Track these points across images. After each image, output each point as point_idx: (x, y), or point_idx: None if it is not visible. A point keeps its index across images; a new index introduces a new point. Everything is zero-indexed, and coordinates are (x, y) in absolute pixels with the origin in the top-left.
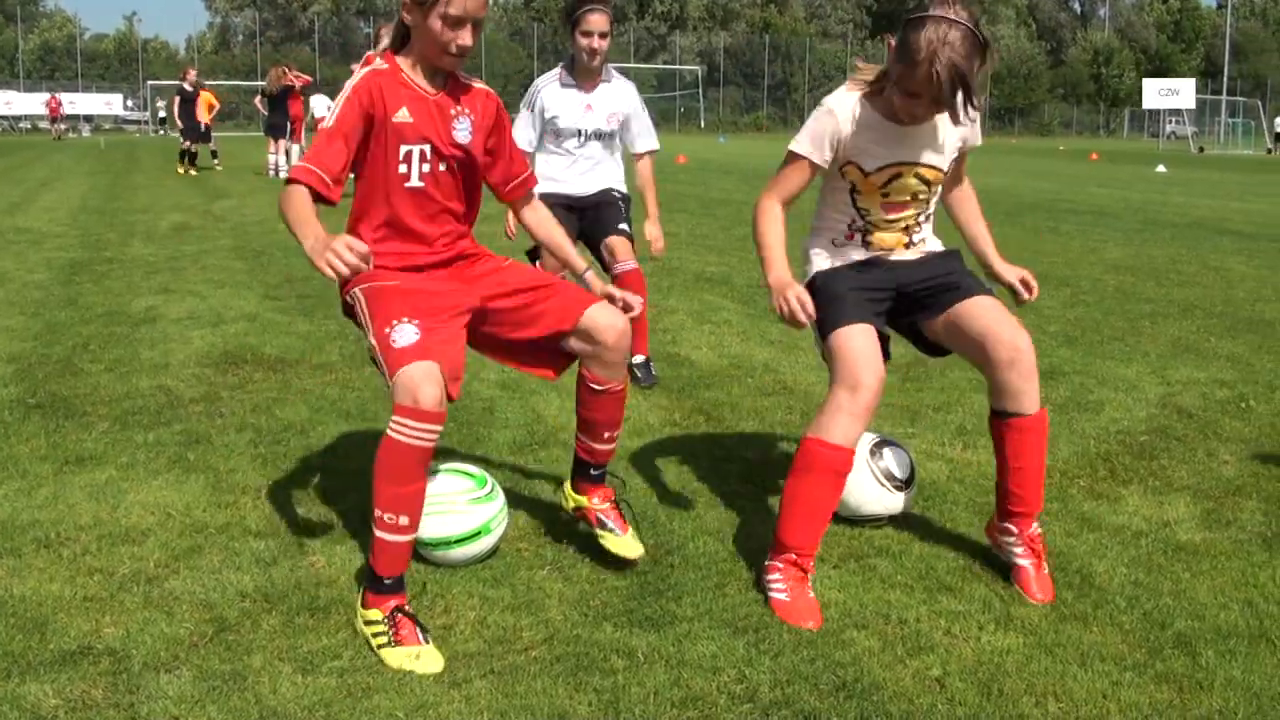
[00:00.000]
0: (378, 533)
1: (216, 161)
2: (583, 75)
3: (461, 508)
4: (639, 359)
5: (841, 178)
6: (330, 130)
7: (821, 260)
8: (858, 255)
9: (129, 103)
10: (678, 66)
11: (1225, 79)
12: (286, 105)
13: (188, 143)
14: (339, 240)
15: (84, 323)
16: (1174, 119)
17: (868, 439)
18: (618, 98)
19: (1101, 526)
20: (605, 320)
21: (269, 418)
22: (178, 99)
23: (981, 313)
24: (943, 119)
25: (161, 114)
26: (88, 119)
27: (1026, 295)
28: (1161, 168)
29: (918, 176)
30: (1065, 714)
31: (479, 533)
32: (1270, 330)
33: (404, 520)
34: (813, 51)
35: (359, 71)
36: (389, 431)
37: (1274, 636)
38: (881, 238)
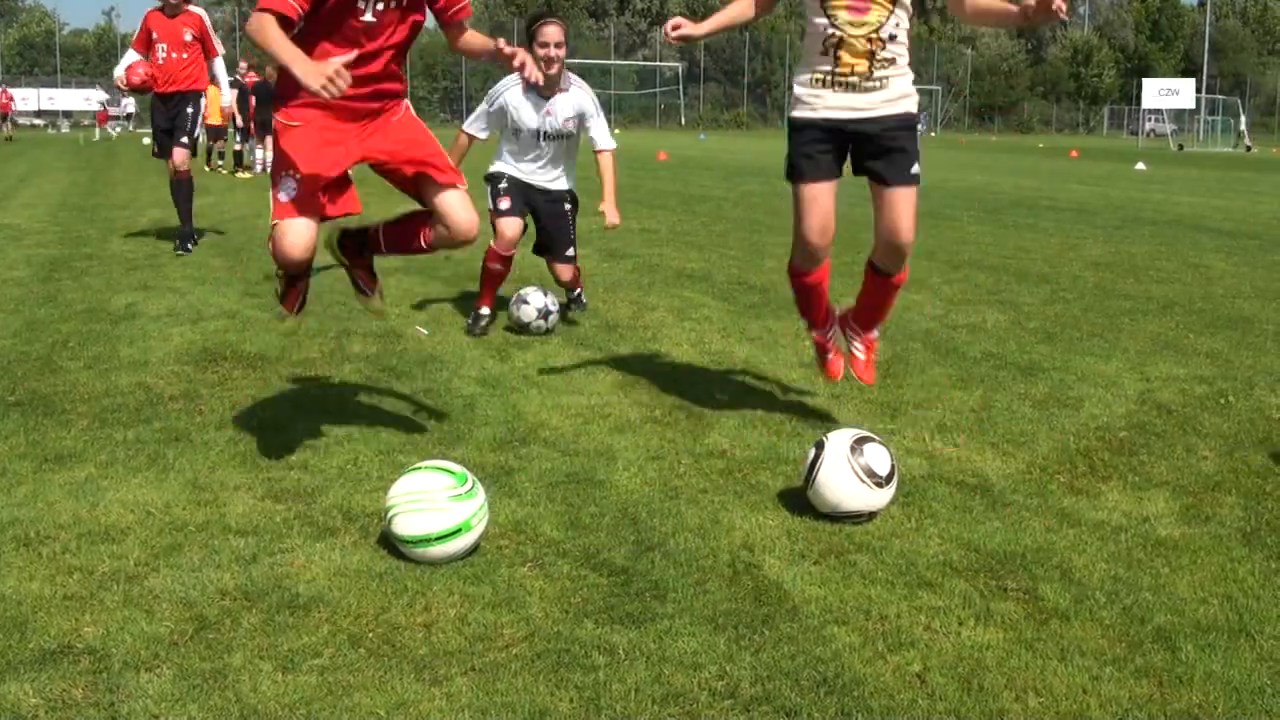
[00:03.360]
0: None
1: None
2: (544, 83)
3: (442, 505)
4: (576, 291)
5: None
6: None
7: (799, 103)
8: (828, 100)
9: (107, 98)
10: (658, 63)
11: (1205, 77)
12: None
13: (241, 144)
14: (330, 66)
15: (63, 320)
16: (1153, 117)
17: (848, 435)
18: (575, 103)
19: (1081, 522)
20: (459, 216)
21: (248, 415)
22: (235, 93)
23: (894, 203)
24: None
25: (129, 109)
26: (67, 115)
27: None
28: (1141, 165)
29: None
30: (1045, 709)
31: (459, 530)
32: (1249, 327)
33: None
34: (793, 49)
35: None
36: (270, 244)
37: (1253, 631)
38: (848, 58)
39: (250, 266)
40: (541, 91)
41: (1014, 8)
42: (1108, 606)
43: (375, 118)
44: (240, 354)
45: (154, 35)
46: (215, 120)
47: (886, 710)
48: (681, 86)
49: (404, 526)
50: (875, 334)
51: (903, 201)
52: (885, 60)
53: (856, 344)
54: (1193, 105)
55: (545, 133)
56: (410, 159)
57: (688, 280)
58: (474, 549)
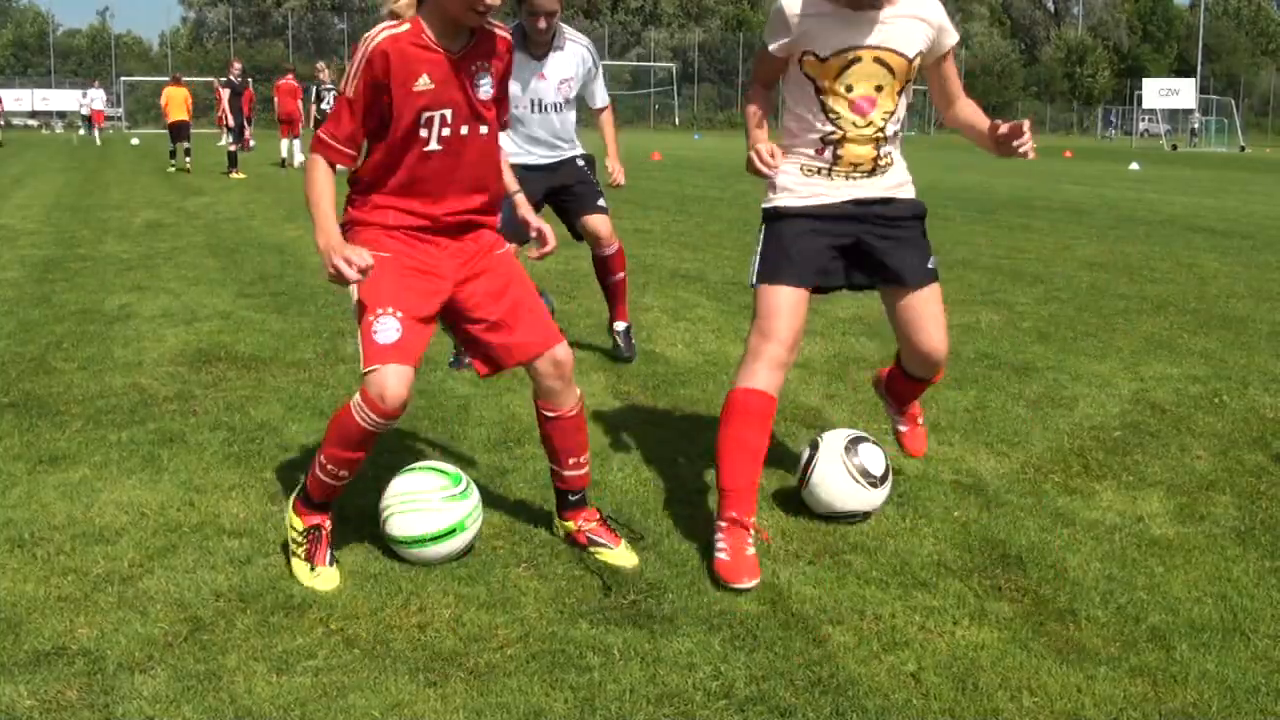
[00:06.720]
0: (317, 472)
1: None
2: (535, 44)
3: (436, 505)
4: (620, 326)
5: (803, 75)
6: (342, 99)
7: (785, 192)
8: (824, 190)
9: (104, 98)
10: (652, 64)
11: (1198, 78)
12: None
13: (235, 145)
14: (350, 250)
15: (57, 321)
16: (1147, 117)
17: (843, 435)
18: (569, 64)
19: (1075, 522)
20: (548, 358)
21: (243, 416)
22: (226, 93)
23: (919, 307)
24: (899, 7)
25: (93, 106)
26: (60, 115)
27: (1025, 140)
28: (1135, 165)
29: (878, 61)
30: (1040, 708)
31: (453, 530)
32: (1242, 326)
33: (343, 474)
34: None
35: (378, 30)
36: (351, 408)
37: (1247, 629)
38: (852, 150)
39: (244, 268)
40: (533, 52)
41: (986, 125)
42: (1102, 606)
43: (467, 251)
44: (234, 355)
45: None
46: (180, 115)
47: (881, 710)
48: (675, 86)
49: (398, 527)
50: (915, 407)
51: (929, 304)
52: (890, 146)
53: (899, 419)
54: (1192, 105)
55: (537, 102)
56: (504, 321)
57: (682, 280)
58: (468, 550)
